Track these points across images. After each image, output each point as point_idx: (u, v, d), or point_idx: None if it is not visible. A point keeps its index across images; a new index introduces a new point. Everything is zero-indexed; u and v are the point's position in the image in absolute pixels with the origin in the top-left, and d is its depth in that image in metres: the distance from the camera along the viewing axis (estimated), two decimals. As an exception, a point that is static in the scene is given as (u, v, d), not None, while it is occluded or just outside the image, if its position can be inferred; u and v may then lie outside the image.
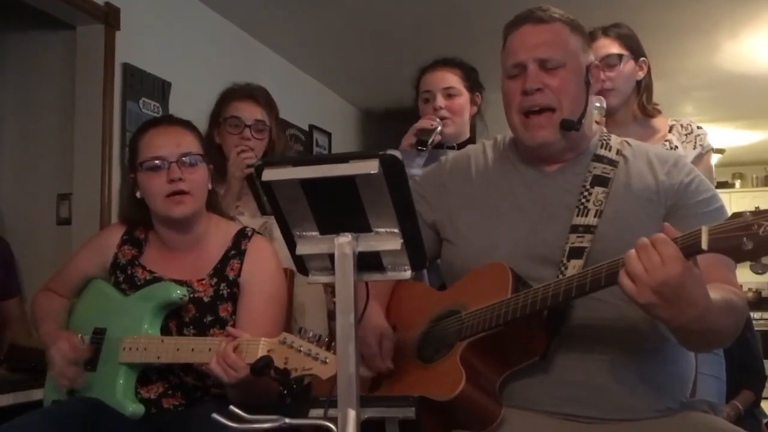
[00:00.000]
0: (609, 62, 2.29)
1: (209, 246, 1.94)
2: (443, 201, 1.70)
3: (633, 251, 1.24)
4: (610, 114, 2.27)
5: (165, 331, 1.85)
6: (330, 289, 2.49)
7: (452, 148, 2.39)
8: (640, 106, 2.37)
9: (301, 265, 1.09)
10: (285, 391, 1.60)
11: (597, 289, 1.33)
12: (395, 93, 3.29)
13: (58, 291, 2.05)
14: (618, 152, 1.61)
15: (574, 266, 1.46)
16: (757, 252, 1.15)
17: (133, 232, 2.00)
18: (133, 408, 1.79)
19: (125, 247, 1.98)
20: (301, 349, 1.57)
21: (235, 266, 1.90)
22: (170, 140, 1.88)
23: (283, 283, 1.96)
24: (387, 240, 1.01)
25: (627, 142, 1.65)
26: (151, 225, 1.96)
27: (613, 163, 1.59)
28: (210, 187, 1.94)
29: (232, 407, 1.14)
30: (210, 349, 1.70)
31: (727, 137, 7.32)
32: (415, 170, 2.26)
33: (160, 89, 3.58)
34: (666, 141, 2.33)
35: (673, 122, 2.39)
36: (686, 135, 2.36)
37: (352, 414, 0.99)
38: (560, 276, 1.45)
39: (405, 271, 1.05)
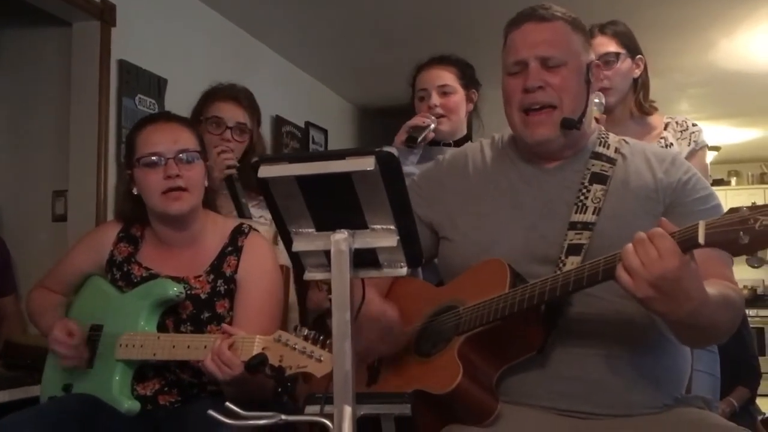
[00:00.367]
0: (606, 60, 2.29)
1: (206, 243, 1.94)
2: (441, 199, 1.70)
3: (630, 245, 1.24)
4: (607, 112, 2.27)
5: (162, 327, 1.85)
6: (326, 286, 2.49)
7: (449, 145, 2.39)
8: (636, 104, 2.38)
9: (297, 262, 1.09)
10: (280, 389, 1.61)
11: (594, 283, 1.33)
12: (392, 90, 3.29)
13: (53, 288, 2.05)
14: (616, 150, 1.61)
15: (572, 263, 1.46)
16: (754, 246, 1.16)
17: (129, 229, 1.99)
18: (129, 405, 1.79)
19: (121, 244, 1.98)
20: (296, 346, 1.57)
21: (231, 263, 1.90)
22: (168, 137, 1.88)
23: (279, 279, 1.96)
24: (383, 237, 1.02)
25: (625, 140, 1.65)
26: (147, 222, 1.96)
27: (611, 160, 1.59)
28: (207, 183, 1.94)
29: (227, 403, 1.14)
30: (206, 347, 1.70)
31: (722, 135, 7.33)
32: (409, 168, 2.26)
33: (156, 86, 3.57)
34: (661, 138, 2.33)
35: (669, 119, 2.40)
36: (681, 132, 2.37)
37: (348, 411, 0.99)
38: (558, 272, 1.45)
39: (401, 268, 1.05)
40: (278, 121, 4.82)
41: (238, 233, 1.94)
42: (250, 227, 1.99)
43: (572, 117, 1.56)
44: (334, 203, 1.01)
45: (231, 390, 1.70)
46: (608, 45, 2.33)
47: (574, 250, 1.49)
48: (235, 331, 1.70)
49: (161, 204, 1.86)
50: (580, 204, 1.53)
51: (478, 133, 2.48)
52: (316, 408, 1.17)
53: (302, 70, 5.23)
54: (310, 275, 1.08)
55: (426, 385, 1.43)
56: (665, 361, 1.51)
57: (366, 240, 1.02)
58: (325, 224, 1.03)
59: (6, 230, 3.46)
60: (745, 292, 8.17)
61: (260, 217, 2.37)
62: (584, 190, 1.55)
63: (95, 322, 1.90)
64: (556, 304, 1.43)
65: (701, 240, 1.19)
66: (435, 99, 2.41)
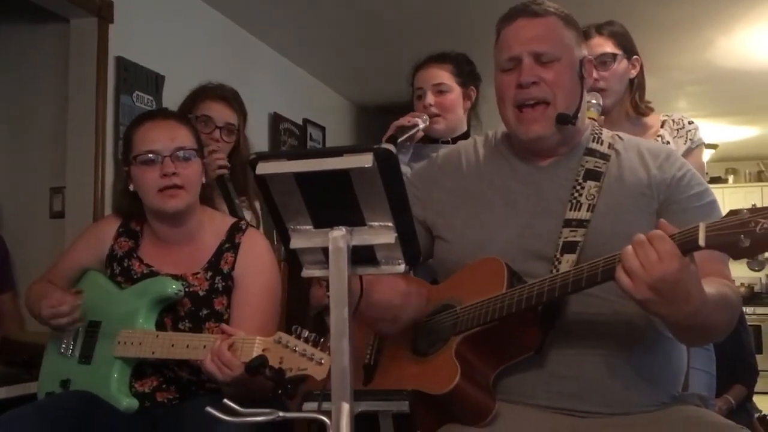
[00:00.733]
0: (603, 61, 2.29)
1: (203, 239, 1.94)
2: (435, 197, 1.69)
3: (630, 247, 1.23)
4: (603, 113, 2.27)
5: (160, 324, 1.85)
6: (324, 283, 2.49)
7: (447, 142, 2.39)
8: (633, 105, 2.37)
9: (295, 259, 1.09)
10: (279, 392, 1.61)
11: (593, 284, 1.33)
12: (389, 87, 3.29)
13: (54, 281, 2.04)
14: (610, 146, 1.61)
15: (568, 260, 1.46)
16: (754, 249, 1.15)
17: (128, 224, 1.99)
18: (128, 402, 1.80)
19: (122, 239, 1.98)
20: (296, 349, 1.57)
21: (229, 259, 1.90)
22: (165, 134, 1.87)
23: (277, 276, 1.96)
24: (381, 234, 1.01)
25: (618, 136, 1.65)
26: (144, 218, 1.96)
27: (605, 157, 1.59)
28: (204, 180, 1.94)
29: (225, 401, 1.14)
30: (205, 346, 1.70)
31: (720, 132, 7.33)
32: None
33: (154, 83, 3.57)
34: (658, 136, 2.33)
35: (665, 117, 2.40)
36: (678, 130, 2.36)
37: (345, 407, 0.99)
38: (554, 270, 1.45)
39: (399, 265, 1.05)
40: (276, 118, 4.82)
41: (236, 230, 1.94)
42: (248, 224, 1.99)
43: (567, 112, 1.56)
44: (331, 200, 1.01)
45: (229, 391, 1.69)
46: (605, 45, 2.32)
47: (569, 247, 1.48)
48: (234, 332, 1.70)
49: (157, 201, 1.86)
50: (574, 201, 1.53)
51: (475, 130, 2.48)
52: (314, 405, 1.17)
53: (300, 68, 5.22)
54: (308, 272, 1.08)
55: (423, 386, 1.42)
56: (662, 360, 1.51)
57: (364, 237, 1.02)
58: (323, 221, 1.03)
59: (4, 227, 3.46)
60: (743, 290, 8.19)
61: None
62: (578, 187, 1.55)
63: (93, 318, 1.90)
64: (554, 304, 1.43)
65: (701, 243, 1.19)
66: (429, 98, 2.41)
